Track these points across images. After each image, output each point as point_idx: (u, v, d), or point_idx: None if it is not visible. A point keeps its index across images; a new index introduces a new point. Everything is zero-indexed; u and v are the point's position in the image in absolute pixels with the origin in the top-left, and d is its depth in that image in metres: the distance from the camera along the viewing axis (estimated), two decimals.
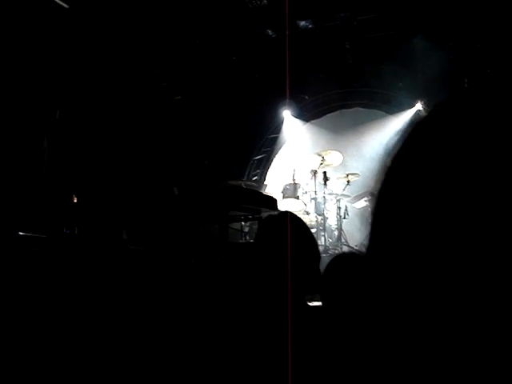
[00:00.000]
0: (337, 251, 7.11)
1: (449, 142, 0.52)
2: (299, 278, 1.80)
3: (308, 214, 7.80)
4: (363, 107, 9.33)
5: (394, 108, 8.79)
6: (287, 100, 9.25)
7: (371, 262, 0.58)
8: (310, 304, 1.89)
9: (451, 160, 0.50)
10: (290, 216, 1.97)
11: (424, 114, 0.59)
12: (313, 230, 6.67)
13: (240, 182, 8.14)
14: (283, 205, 7.37)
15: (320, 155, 7.72)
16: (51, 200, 5.79)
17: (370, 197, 7.81)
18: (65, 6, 6.45)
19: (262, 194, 5.88)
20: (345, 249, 7.17)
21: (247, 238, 7.63)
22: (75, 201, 6.03)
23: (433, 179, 0.51)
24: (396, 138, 0.57)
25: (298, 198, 7.75)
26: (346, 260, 2.12)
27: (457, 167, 0.49)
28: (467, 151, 0.49)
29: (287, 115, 9.74)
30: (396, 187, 0.56)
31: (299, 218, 2.04)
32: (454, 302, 0.47)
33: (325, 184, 7.73)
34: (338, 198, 7.85)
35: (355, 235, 7.95)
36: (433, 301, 0.48)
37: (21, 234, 3.77)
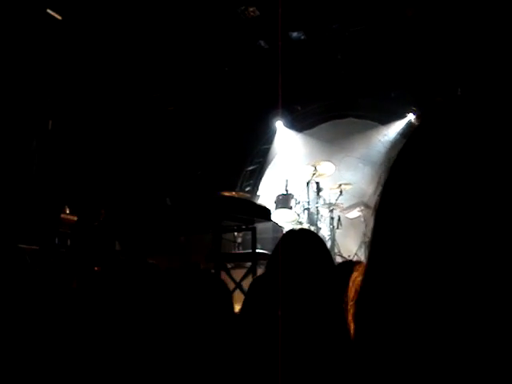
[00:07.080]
0: None
1: (445, 149, 0.52)
2: (319, 295, 1.79)
3: (301, 224, 7.78)
4: (356, 118, 9.36)
5: (386, 118, 8.84)
6: (280, 110, 9.27)
7: (373, 272, 0.57)
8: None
9: (449, 168, 0.50)
10: (310, 234, 1.98)
11: (417, 123, 0.59)
12: None
13: (233, 192, 8.13)
14: (276, 215, 7.36)
15: (313, 166, 7.72)
16: (43, 211, 5.76)
17: (362, 207, 7.82)
18: (58, 17, 6.47)
19: (255, 203, 5.88)
20: (338, 259, 7.15)
21: (240, 248, 7.61)
22: (67, 212, 6.00)
23: (431, 187, 0.51)
24: (392, 150, 0.57)
25: (290, 208, 7.74)
26: (340, 270, 2.11)
27: (454, 174, 0.49)
28: (464, 158, 0.49)
29: (280, 126, 9.75)
30: (395, 198, 0.55)
31: (319, 237, 2.05)
32: (454, 308, 0.46)
33: (318, 194, 7.73)
34: (330, 208, 7.85)
35: (348, 245, 7.94)
36: (434, 308, 0.48)
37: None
